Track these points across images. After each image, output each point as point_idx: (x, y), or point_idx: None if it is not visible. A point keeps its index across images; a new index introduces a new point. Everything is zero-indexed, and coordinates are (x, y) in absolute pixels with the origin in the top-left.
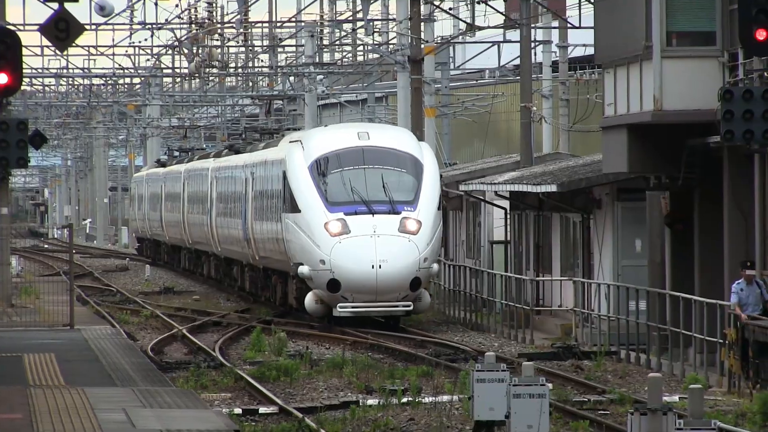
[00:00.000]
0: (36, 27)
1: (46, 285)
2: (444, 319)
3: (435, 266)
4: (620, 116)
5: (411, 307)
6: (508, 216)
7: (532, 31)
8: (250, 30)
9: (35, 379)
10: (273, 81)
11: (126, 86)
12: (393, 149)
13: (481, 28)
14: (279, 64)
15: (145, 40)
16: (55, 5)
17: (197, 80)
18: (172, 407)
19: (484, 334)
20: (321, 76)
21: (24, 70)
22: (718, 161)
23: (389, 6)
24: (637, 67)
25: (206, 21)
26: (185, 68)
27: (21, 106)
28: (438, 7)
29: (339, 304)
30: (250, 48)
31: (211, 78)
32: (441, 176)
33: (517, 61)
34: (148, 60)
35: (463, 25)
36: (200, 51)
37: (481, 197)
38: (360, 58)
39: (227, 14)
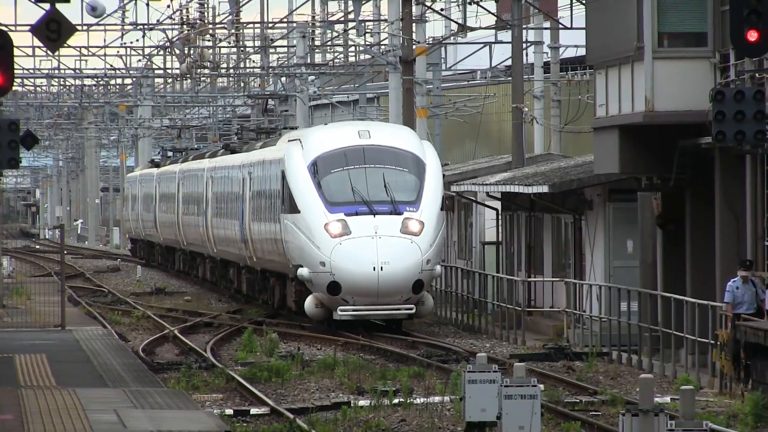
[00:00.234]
0: (27, 27)
1: (37, 286)
2: (436, 320)
3: (438, 268)
4: (612, 117)
5: (413, 310)
6: (500, 217)
7: (524, 31)
8: (241, 30)
9: (26, 380)
10: (264, 82)
11: (117, 87)
12: (395, 148)
13: (472, 29)
14: (270, 64)
15: (137, 40)
16: (47, 6)
17: (189, 81)
18: (163, 408)
19: (476, 335)
20: (313, 77)
21: (15, 71)
22: (710, 162)
23: (381, 7)
24: (628, 67)
25: (198, 21)
26: (177, 69)
27: (12, 106)
28: (429, 8)
29: (339, 308)
30: (242, 48)
31: (202, 78)
32: (444, 175)
33: (509, 62)
34: (139, 60)
35: (454, 26)
36: (192, 51)
37: (473, 198)
38: (352, 59)
39: (219, 15)
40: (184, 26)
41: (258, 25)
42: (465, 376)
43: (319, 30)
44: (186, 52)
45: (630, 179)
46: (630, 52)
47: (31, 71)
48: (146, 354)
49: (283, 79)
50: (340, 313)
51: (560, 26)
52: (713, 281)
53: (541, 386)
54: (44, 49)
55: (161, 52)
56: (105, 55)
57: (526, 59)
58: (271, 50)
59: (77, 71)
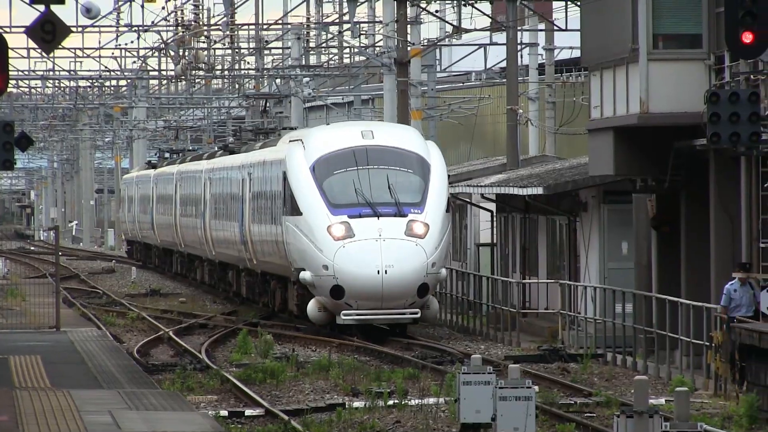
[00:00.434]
0: (22, 29)
1: (32, 287)
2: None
3: (444, 271)
4: (606, 119)
5: (419, 315)
6: (495, 218)
7: (519, 33)
8: (236, 32)
9: (21, 381)
10: (259, 83)
11: (112, 88)
12: (399, 148)
13: (467, 31)
14: (265, 66)
15: (132, 42)
16: (41, 7)
17: (183, 82)
18: (158, 409)
19: (471, 337)
20: (307, 79)
21: (10, 73)
22: (705, 164)
23: (376, 9)
24: (623, 69)
25: (192, 23)
26: (171, 70)
27: (7, 108)
28: (424, 9)
29: (343, 312)
30: (237, 50)
31: (197, 80)
32: (449, 176)
33: (504, 64)
34: (134, 62)
35: (449, 28)
36: (186, 53)
37: (468, 200)
38: (346, 61)
39: (213, 16)
40: (179, 28)
41: (253, 27)
42: (460, 377)
43: (313, 32)
44: (181, 53)
45: (625, 181)
46: (625, 53)
47: (26, 73)
48: (141, 355)
49: (278, 80)
50: (343, 317)
51: (555, 28)
52: (708, 283)
53: (536, 388)
54: (39, 50)
55: (156, 54)
56: (100, 56)
57: (521, 61)
58: (266, 52)
59: (72, 73)
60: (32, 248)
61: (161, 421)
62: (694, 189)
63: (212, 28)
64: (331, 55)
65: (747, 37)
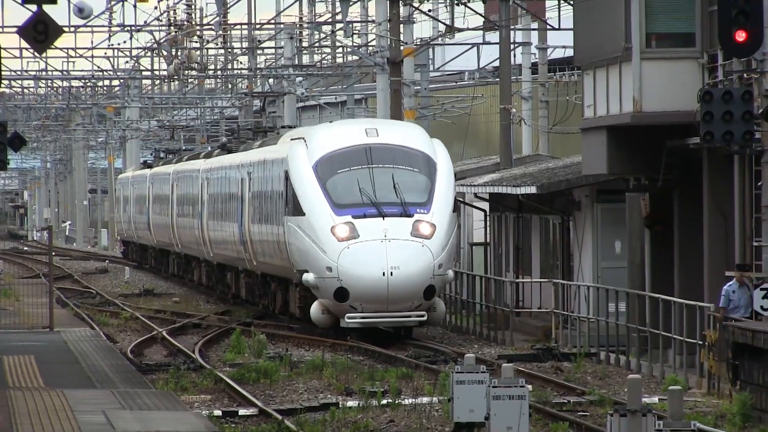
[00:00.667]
0: (14, 29)
1: (25, 287)
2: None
3: (450, 273)
4: (600, 118)
5: (425, 317)
6: (488, 218)
7: (512, 32)
8: (229, 32)
9: (15, 381)
10: (252, 83)
11: (105, 88)
12: (404, 147)
13: (460, 30)
14: (258, 66)
15: (124, 42)
16: (34, 7)
17: (176, 82)
18: (151, 409)
19: (464, 336)
20: (300, 78)
21: (3, 73)
22: (698, 163)
23: (368, 8)
24: (616, 68)
25: (185, 23)
26: (164, 70)
27: (0, 108)
28: (417, 9)
29: (347, 315)
30: (229, 50)
31: (190, 80)
32: (455, 175)
33: (497, 63)
34: (127, 62)
35: (442, 27)
36: (179, 53)
37: (461, 199)
38: (339, 60)
39: (206, 16)
40: (172, 28)
41: (245, 27)
42: (453, 376)
43: (306, 31)
44: (173, 53)
45: (618, 180)
46: (618, 52)
47: (19, 73)
48: (134, 355)
49: (271, 80)
50: (347, 320)
51: (548, 27)
52: (701, 282)
53: (529, 387)
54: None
55: (149, 54)
56: (92, 56)
57: (514, 60)
58: (259, 51)
59: (65, 73)
60: (26, 248)
61: (155, 421)
62: (687, 188)
63: (205, 27)
64: (324, 55)
65: (740, 36)
